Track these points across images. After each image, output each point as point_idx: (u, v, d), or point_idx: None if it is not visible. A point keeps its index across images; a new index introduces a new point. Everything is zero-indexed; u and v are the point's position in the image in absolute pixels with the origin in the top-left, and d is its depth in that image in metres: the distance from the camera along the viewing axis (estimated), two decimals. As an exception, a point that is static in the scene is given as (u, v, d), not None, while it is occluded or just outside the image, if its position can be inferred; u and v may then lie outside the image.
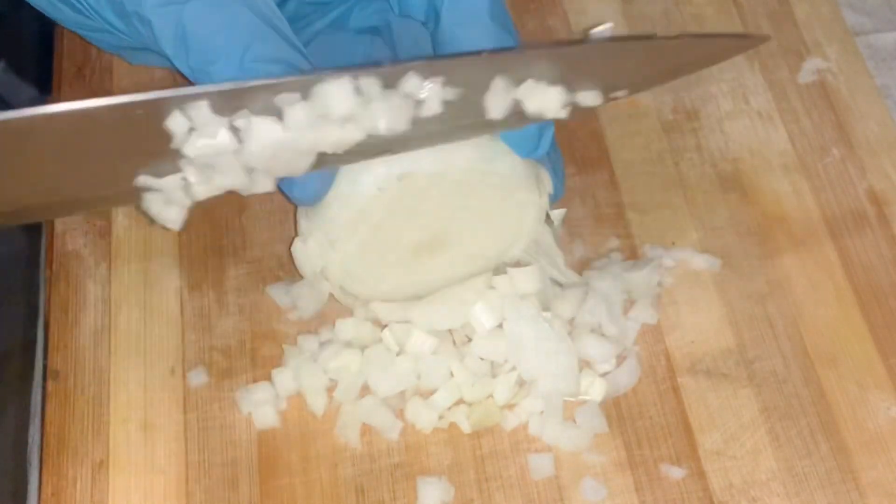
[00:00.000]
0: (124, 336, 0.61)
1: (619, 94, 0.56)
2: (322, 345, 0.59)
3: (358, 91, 0.51)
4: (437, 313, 0.58)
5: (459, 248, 0.58)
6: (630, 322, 0.60)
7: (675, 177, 0.67)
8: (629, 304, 0.61)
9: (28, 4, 0.60)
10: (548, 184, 0.58)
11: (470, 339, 0.58)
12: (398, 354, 0.58)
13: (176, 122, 0.50)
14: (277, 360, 0.60)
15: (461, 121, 0.54)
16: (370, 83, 0.51)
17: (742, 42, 0.62)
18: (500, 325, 0.57)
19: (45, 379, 0.60)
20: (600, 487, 0.56)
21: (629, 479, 0.56)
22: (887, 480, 0.56)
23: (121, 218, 0.65)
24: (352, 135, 0.52)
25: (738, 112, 0.69)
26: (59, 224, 0.65)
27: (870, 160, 0.67)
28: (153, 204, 0.52)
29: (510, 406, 0.58)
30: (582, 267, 0.63)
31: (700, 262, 0.63)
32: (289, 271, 0.63)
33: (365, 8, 0.64)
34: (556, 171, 0.60)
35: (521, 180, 0.57)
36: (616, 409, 0.58)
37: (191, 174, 0.51)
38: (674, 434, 0.57)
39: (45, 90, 0.71)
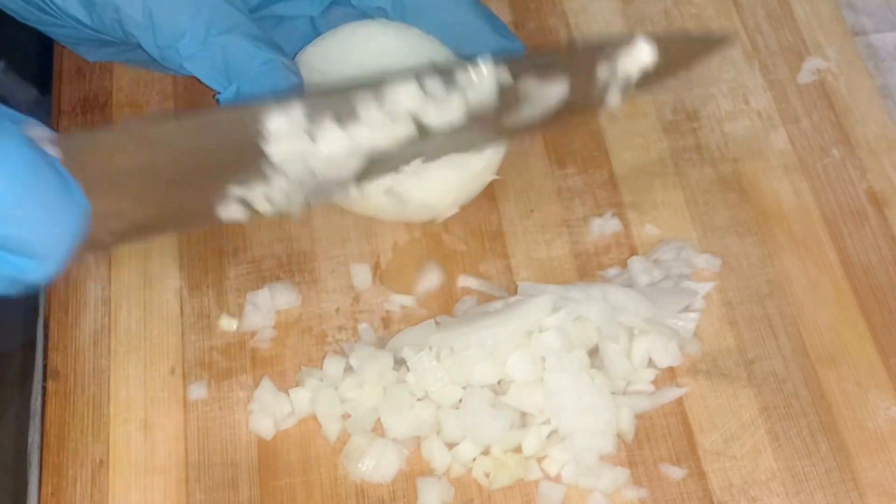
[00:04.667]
0: (124, 336, 0.61)
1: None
2: (345, 371, 0.58)
3: (423, 90, 0.55)
4: (475, 368, 0.56)
5: None
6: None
7: (675, 177, 0.67)
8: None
9: (28, 5, 0.60)
10: None
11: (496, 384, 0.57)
12: (420, 399, 0.57)
13: (274, 125, 0.53)
14: (277, 360, 0.60)
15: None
16: (433, 83, 0.55)
17: (714, 43, 0.65)
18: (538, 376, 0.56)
19: (45, 379, 0.60)
20: (600, 487, 0.56)
21: (629, 479, 0.56)
22: (887, 480, 0.56)
23: (121, 218, 0.65)
24: (405, 129, 0.55)
25: (738, 112, 0.69)
26: (59, 224, 0.65)
27: (870, 160, 0.67)
28: (258, 202, 0.55)
29: (539, 458, 0.56)
30: (582, 267, 0.63)
31: (700, 262, 0.63)
32: (288, 271, 0.63)
33: None
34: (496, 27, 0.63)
35: None
36: (616, 409, 0.58)
37: (276, 182, 0.54)
38: (674, 434, 0.57)
39: (45, 90, 0.71)
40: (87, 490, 0.56)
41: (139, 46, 0.59)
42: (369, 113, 0.55)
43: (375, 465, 0.56)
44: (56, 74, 0.70)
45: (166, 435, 0.58)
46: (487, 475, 0.56)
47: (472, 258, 0.63)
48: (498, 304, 0.60)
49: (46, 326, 0.62)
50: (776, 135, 0.68)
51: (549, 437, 0.56)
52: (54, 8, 0.59)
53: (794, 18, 0.74)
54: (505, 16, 0.74)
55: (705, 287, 0.62)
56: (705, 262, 0.63)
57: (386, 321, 0.61)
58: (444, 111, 0.56)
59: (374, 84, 0.55)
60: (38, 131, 0.47)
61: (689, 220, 0.65)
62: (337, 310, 0.62)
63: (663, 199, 0.66)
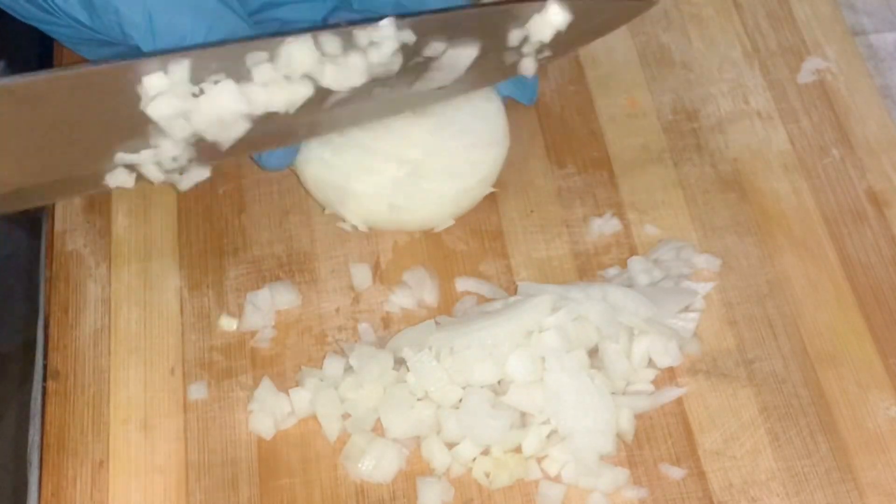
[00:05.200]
0: (124, 336, 0.61)
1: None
2: (346, 371, 0.58)
3: (319, 49, 0.53)
4: (475, 368, 0.56)
5: None
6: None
7: (675, 177, 0.67)
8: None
9: (28, 3, 0.60)
10: None
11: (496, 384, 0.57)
12: (420, 399, 0.57)
13: (151, 82, 0.51)
14: (277, 360, 0.60)
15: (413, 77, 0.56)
16: (331, 41, 0.54)
17: (631, 7, 0.63)
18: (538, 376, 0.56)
19: (45, 379, 0.60)
20: (600, 487, 0.56)
21: (629, 479, 0.56)
22: (887, 480, 0.56)
23: (121, 218, 0.65)
24: (302, 91, 0.54)
25: (738, 112, 0.69)
26: (59, 224, 0.65)
27: (869, 160, 0.67)
28: (148, 171, 0.54)
29: (539, 458, 0.56)
30: (582, 267, 0.63)
31: (700, 262, 0.63)
32: (288, 272, 0.63)
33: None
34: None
35: None
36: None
37: (160, 144, 0.53)
38: (674, 434, 0.57)
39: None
40: (87, 490, 0.56)
41: (139, 48, 0.59)
42: (261, 71, 0.53)
43: (375, 465, 0.56)
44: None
45: (166, 435, 0.58)
46: (487, 475, 0.56)
47: (471, 258, 0.63)
48: (498, 304, 0.60)
49: (46, 326, 0.62)
50: (776, 135, 0.68)
51: (549, 437, 0.56)
52: (55, 8, 0.59)
53: (794, 18, 0.74)
54: (505, 16, 0.74)
55: (705, 287, 0.62)
56: (705, 262, 0.63)
57: (386, 321, 0.61)
58: (343, 72, 0.54)
59: (268, 41, 0.53)
60: None
61: (689, 220, 0.65)
62: (337, 310, 0.62)
63: (663, 199, 0.66)
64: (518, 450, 0.56)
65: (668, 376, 0.59)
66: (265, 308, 0.61)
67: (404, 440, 0.57)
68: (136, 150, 0.53)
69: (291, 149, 0.60)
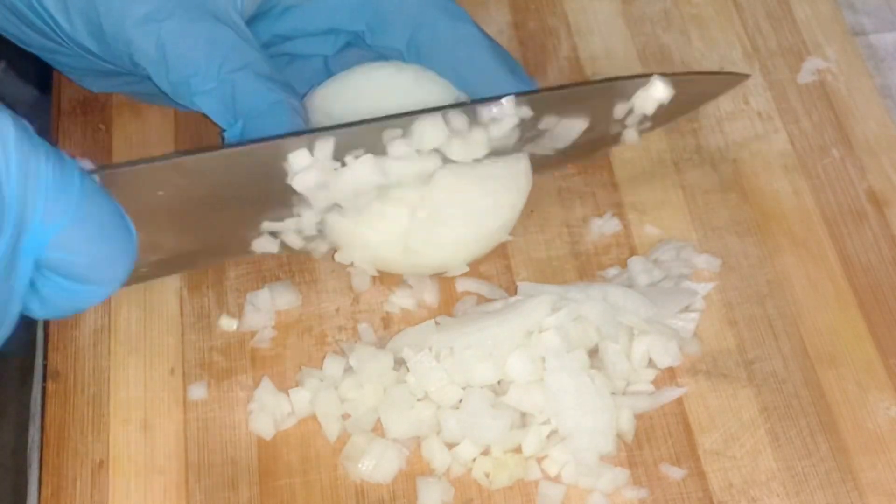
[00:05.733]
0: (124, 336, 0.61)
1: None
2: (346, 371, 0.58)
3: (448, 126, 0.57)
4: (475, 368, 0.56)
5: None
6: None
7: (675, 177, 0.67)
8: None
9: (31, 30, 0.60)
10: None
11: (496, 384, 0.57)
12: (420, 399, 0.57)
13: (297, 160, 0.55)
14: (277, 360, 0.60)
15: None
16: (457, 118, 0.57)
17: (728, 79, 0.68)
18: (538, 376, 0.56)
19: (45, 379, 0.60)
20: (600, 488, 0.56)
21: (629, 479, 0.56)
22: (887, 480, 0.56)
23: (121, 218, 0.65)
24: (431, 164, 0.58)
25: (738, 112, 0.69)
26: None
27: (869, 160, 0.67)
28: (290, 239, 0.59)
29: (539, 458, 0.56)
30: (582, 267, 0.63)
31: (700, 262, 0.63)
32: (288, 272, 0.63)
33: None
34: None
35: None
36: (616, 410, 0.58)
37: (305, 213, 0.57)
38: (674, 434, 0.57)
39: (46, 90, 0.71)
40: (87, 490, 0.56)
41: (147, 78, 0.59)
42: (397, 147, 0.57)
43: (375, 465, 0.56)
44: (56, 74, 0.70)
45: (166, 435, 0.58)
46: (487, 475, 0.56)
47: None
48: (498, 305, 0.60)
49: (46, 326, 0.62)
50: (776, 135, 0.68)
51: (549, 437, 0.56)
52: (61, 35, 0.58)
53: (794, 18, 0.74)
54: (505, 16, 0.74)
55: (705, 287, 0.62)
56: (705, 262, 0.63)
57: (386, 321, 0.61)
58: (468, 146, 0.58)
59: (402, 120, 0.57)
60: (84, 163, 0.49)
61: (689, 220, 0.65)
62: (337, 310, 0.62)
63: (663, 199, 0.66)
64: (518, 450, 0.56)
65: (668, 376, 0.59)
66: (265, 308, 0.61)
67: (404, 440, 0.57)
68: (280, 219, 0.58)
69: None
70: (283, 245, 0.60)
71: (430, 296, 0.62)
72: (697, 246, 0.64)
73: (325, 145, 0.56)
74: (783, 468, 0.56)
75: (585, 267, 0.63)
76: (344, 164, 0.56)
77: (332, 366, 0.58)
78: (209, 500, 0.56)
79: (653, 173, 0.67)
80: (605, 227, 0.64)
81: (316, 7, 0.63)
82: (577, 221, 0.65)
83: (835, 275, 0.62)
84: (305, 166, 0.55)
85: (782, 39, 0.73)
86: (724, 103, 0.70)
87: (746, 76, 0.68)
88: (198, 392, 0.59)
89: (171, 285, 0.62)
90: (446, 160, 0.58)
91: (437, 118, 0.57)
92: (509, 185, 0.61)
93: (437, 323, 0.59)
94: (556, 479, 0.55)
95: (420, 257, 0.60)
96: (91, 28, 0.57)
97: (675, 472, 0.56)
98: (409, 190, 0.59)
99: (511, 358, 0.56)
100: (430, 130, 0.57)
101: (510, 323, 0.56)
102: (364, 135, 0.56)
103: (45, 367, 0.60)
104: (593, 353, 0.57)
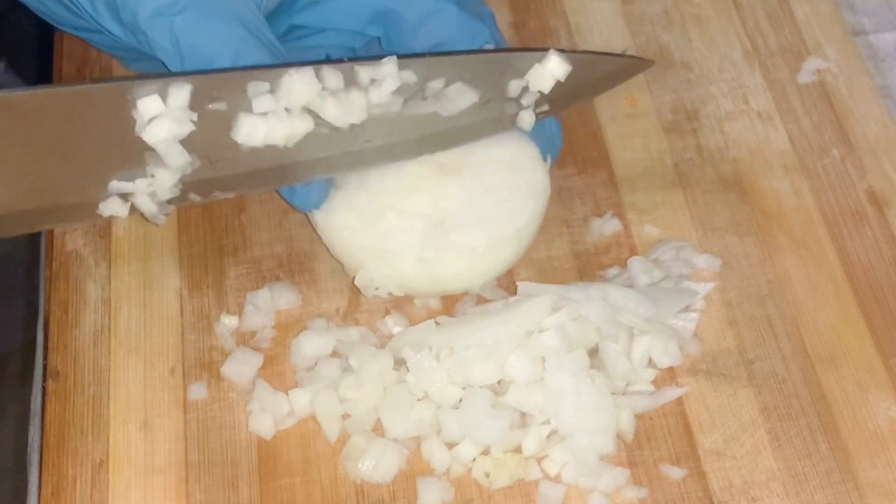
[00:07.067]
0: (124, 336, 0.61)
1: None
2: (346, 371, 0.58)
3: (321, 82, 0.53)
4: (475, 368, 0.56)
5: None
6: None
7: (675, 177, 0.67)
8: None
9: (62, 8, 0.60)
10: None
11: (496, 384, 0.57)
12: (420, 399, 0.57)
13: (146, 106, 0.50)
14: (277, 361, 0.60)
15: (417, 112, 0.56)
16: (333, 76, 0.53)
17: (631, 64, 0.63)
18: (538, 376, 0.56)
19: (45, 379, 0.60)
20: (600, 487, 0.56)
21: (629, 479, 0.56)
22: (887, 480, 0.56)
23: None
24: (301, 125, 0.53)
25: (738, 112, 0.69)
26: (59, 224, 0.65)
27: (869, 160, 0.67)
28: (139, 202, 0.53)
29: (539, 458, 0.56)
30: (582, 267, 0.63)
31: (700, 262, 0.63)
32: (288, 272, 0.63)
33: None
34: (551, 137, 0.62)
35: None
36: (616, 410, 0.58)
37: (155, 170, 0.52)
38: (674, 434, 0.57)
39: (45, 90, 0.71)
40: (87, 490, 0.56)
41: None
42: (262, 102, 0.53)
43: (375, 465, 0.56)
44: (56, 74, 0.70)
45: (166, 435, 0.58)
46: (487, 475, 0.56)
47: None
48: (498, 304, 0.60)
49: (46, 326, 0.62)
50: (776, 135, 0.68)
51: (549, 437, 0.56)
52: (87, 16, 0.58)
53: (794, 18, 0.74)
54: (505, 16, 0.74)
55: (705, 287, 0.62)
56: (705, 262, 0.63)
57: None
58: (345, 108, 0.54)
59: (270, 72, 0.53)
60: None
61: (689, 220, 0.65)
62: (337, 310, 0.62)
63: (663, 199, 0.66)
64: (518, 450, 0.56)
65: (668, 376, 0.59)
66: (265, 308, 0.61)
67: (404, 440, 0.57)
68: (131, 179, 0.53)
69: (323, 188, 0.59)
70: (134, 209, 0.54)
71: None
72: (697, 246, 0.64)
73: (180, 93, 0.51)
74: (783, 468, 0.56)
75: (585, 267, 0.63)
76: (202, 115, 0.51)
77: (332, 366, 0.58)
78: (209, 500, 0.56)
79: (653, 173, 0.67)
80: (605, 227, 0.64)
81: (334, 7, 0.63)
82: (577, 221, 0.65)
83: (835, 275, 0.62)
84: (156, 115, 0.50)
85: (782, 39, 0.73)
86: (724, 103, 0.70)
87: (651, 62, 0.63)
88: (198, 392, 0.59)
89: (171, 285, 0.63)
90: (321, 123, 0.54)
91: (307, 72, 0.53)
92: (525, 191, 0.60)
93: (437, 323, 0.59)
94: (556, 479, 0.56)
95: (436, 267, 0.59)
96: (114, 14, 0.57)
97: (675, 472, 0.56)
98: (421, 202, 0.58)
99: (511, 358, 0.56)
100: (298, 85, 0.53)
101: (510, 323, 0.56)
102: (226, 84, 0.53)
103: (45, 367, 0.60)
104: (593, 353, 0.57)
